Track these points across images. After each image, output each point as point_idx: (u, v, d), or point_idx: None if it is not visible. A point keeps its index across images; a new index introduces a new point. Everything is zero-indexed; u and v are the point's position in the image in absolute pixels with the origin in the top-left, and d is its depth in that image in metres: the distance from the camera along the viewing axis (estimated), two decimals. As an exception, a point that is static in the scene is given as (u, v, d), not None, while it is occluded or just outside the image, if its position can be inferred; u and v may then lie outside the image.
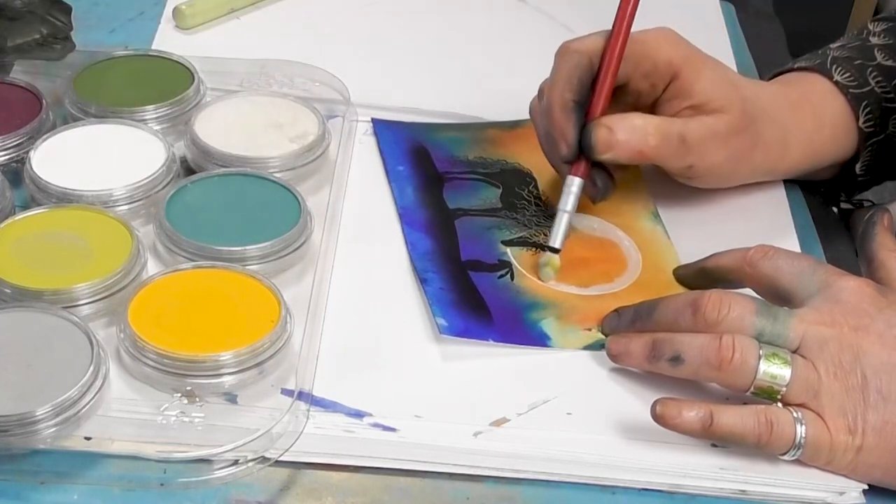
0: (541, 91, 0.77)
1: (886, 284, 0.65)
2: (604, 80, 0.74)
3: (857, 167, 0.80)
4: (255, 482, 0.60)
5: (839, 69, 0.80)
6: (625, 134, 0.73)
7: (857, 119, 0.79)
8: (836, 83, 0.79)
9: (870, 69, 0.79)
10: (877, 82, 0.79)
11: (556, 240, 0.73)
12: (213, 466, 0.59)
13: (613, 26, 0.74)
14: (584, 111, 0.74)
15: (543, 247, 0.75)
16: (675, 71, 0.75)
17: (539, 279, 0.73)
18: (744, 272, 0.67)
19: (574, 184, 0.74)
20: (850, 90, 0.79)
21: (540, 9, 1.02)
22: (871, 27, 0.83)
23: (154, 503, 0.59)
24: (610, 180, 0.76)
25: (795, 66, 0.82)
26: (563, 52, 0.75)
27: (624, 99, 0.76)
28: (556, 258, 0.73)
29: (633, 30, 0.75)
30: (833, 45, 0.82)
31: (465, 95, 0.89)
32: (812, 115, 0.79)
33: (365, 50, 0.94)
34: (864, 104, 0.79)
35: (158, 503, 0.59)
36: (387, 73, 0.92)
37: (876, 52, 0.81)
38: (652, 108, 0.76)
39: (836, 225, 0.84)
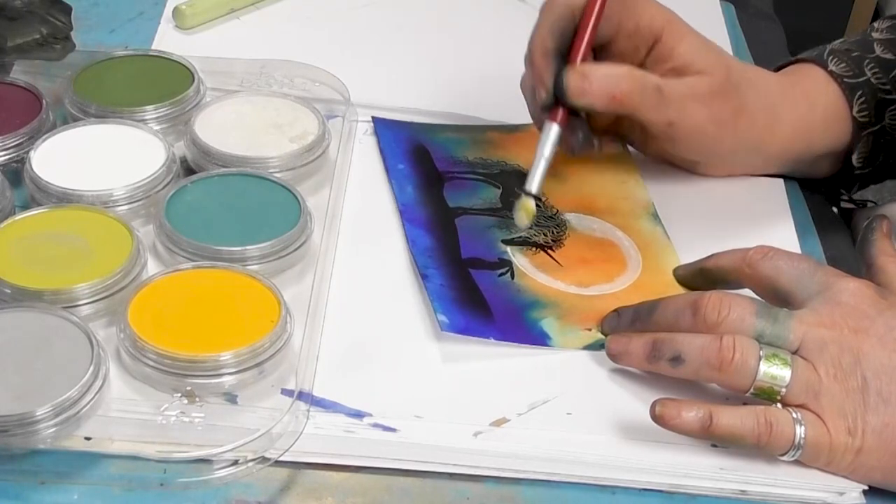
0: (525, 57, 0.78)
1: (886, 288, 0.65)
2: (584, 28, 0.74)
3: (854, 158, 0.80)
4: (255, 482, 0.60)
5: (835, 60, 0.80)
6: (598, 78, 0.73)
7: (851, 108, 0.79)
8: (831, 72, 0.80)
9: (867, 61, 0.80)
10: (873, 73, 0.80)
11: (532, 184, 0.73)
12: (213, 466, 0.59)
13: None
14: (564, 60, 0.74)
15: (544, 246, 0.75)
16: (657, 33, 0.75)
17: (516, 224, 0.73)
18: (743, 273, 0.67)
19: (552, 129, 0.74)
20: (845, 79, 0.79)
21: (540, 9, 1.02)
22: (875, 25, 0.84)
23: (154, 503, 0.59)
24: (591, 133, 0.76)
25: (795, 58, 0.83)
26: (548, 5, 0.76)
27: (608, 60, 0.76)
28: (530, 202, 0.72)
29: None
30: (836, 42, 0.83)
31: (465, 95, 0.89)
32: (804, 97, 0.80)
33: (365, 50, 0.94)
34: (858, 94, 0.79)
35: (158, 503, 0.59)
36: (387, 73, 0.92)
37: (875, 45, 0.81)
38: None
39: (836, 224, 0.84)
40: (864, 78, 0.79)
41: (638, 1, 0.76)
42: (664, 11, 0.76)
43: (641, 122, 0.77)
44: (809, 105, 0.79)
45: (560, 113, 0.74)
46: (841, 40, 0.83)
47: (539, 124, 0.77)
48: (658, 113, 0.75)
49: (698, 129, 0.77)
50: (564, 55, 0.75)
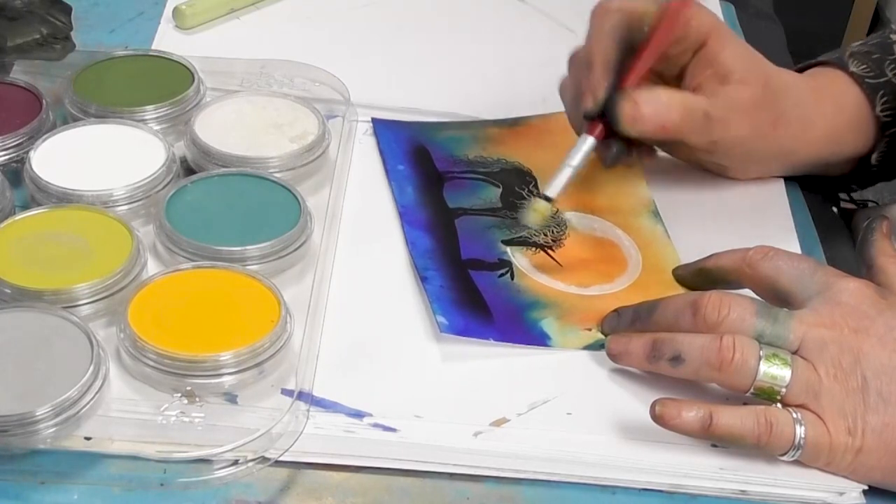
0: (571, 58, 0.78)
1: (886, 288, 0.65)
2: (648, 53, 0.74)
3: (874, 157, 0.81)
4: (255, 482, 0.60)
5: (855, 62, 0.80)
6: (650, 108, 0.73)
7: (874, 107, 0.79)
8: (852, 73, 0.80)
9: (888, 62, 0.80)
10: (894, 74, 0.80)
11: (553, 189, 0.72)
12: (213, 466, 0.59)
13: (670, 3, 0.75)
14: (619, 73, 0.74)
15: (543, 246, 0.75)
16: (704, 38, 0.76)
17: (522, 220, 0.73)
18: (743, 273, 0.67)
19: (587, 142, 0.74)
20: (866, 80, 0.80)
21: (540, 9, 1.02)
22: (894, 27, 0.84)
23: (154, 503, 0.59)
24: (625, 148, 0.76)
25: (815, 60, 0.83)
26: (603, 11, 0.75)
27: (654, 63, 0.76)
28: (543, 205, 0.72)
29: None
30: (855, 44, 0.83)
31: (465, 95, 0.89)
32: (832, 101, 0.80)
33: (365, 50, 0.94)
34: (880, 94, 0.79)
35: (158, 503, 0.59)
36: (387, 73, 0.92)
37: (895, 47, 0.81)
38: (679, 74, 0.77)
39: (837, 225, 0.84)
40: (885, 78, 0.80)
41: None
42: (711, 17, 0.76)
43: (685, 140, 0.77)
44: (838, 110, 0.80)
45: (600, 128, 0.74)
46: (860, 42, 0.83)
47: (576, 125, 0.77)
48: (704, 136, 0.76)
49: (739, 142, 0.78)
50: (618, 68, 0.74)
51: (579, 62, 0.77)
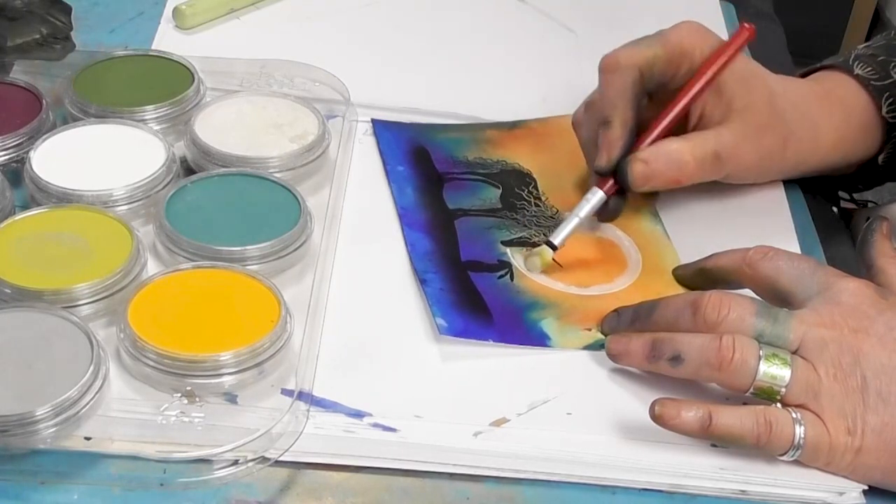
0: (588, 104, 0.78)
1: (886, 289, 0.65)
2: (668, 122, 0.75)
3: (880, 158, 0.81)
4: (255, 482, 0.60)
5: (860, 64, 0.80)
6: (662, 165, 0.74)
7: (880, 109, 0.79)
8: (857, 76, 0.80)
9: (892, 64, 0.80)
10: None
11: (558, 237, 0.73)
12: (213, 466, 0.59)
13: (697, 72, 0.75)
14: (631, 133, 0.74)
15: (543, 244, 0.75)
16: (704, 56, 0.75)
17: (524, 268, 0.73)
18: (743, 273, 0.68)
19: (596, 196, 0.74)
20: (872, 82, 0.80)
21: (540, 9, 1.02)
22: None
23: (154, 503, 0.59)
24: (622, 203, 0.76)
25: (820, 65, 0.83)
26: (613, 67, 0.74)
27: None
28: (548, 252, 0.72)
29: (661, 28, 0.76)
30: (859, 46, 0.83)
31: (465, 95, 0.89)
32: (840, 107, 0.80)
33: (365, 50, 0.94)
34: (885, 95, 0.79)
35: (158, 503, 0.59)
36: (387, 73, 0.92)
37: None
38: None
39: (837, 225, 0.84)
40: (891, 80, 0.79)
41: (686, 38, 0.76)
42: (708, 39, 0.76)
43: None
44: (845, 115, 0.80)
45: (610, 183, 0.74)
46: (865, 45, 0.83)
47: (588, 160, 0.77)
48: (716, 174, 0.76)
49: (750, 167, 0.78)
50: (635, 126, 0.74)
51: (596, 114, 0.76)
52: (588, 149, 0.78)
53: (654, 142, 0.74)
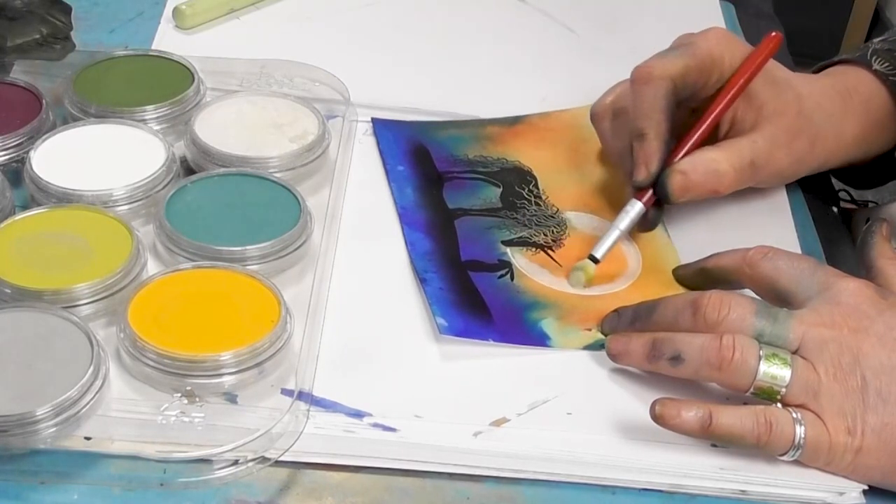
0: (617, 112, 0.78)
1: (886, 289, 0.65)
2: (702, 131, 0.75)
3: None
4: (255, 482, 0.60)
5: (878, 59, 0.80)
6: (700, 176, 0.73)
7: None
8: (875, 72, 0.80)
9: None
10: None
11: (600, 251, 0.73)
12: (213, 466, 0.59)
13: (728, 82, 0.75)
14: (667, 145, 0.74)
15: (543, 246, 0.75)
16: (733, 65, 0.75)
17: (568, 282, 0.73)
18: (743, 273, 0.68)
19: (635, 208, 0.74)
20: (890, 77, 0.80)
21: (540, 9, 1.02)
22: None
23: (154, 503, 0.59)
24: (661, 213, 0.76)
25: (837, 59, 0.83)
26: (646, 79, 0.74)
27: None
28: (591, 267, 0.72)
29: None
30: (876, 40, 0.83)
31: (465, 95, 0.89)
32: (861, 103, 0.80)
33: (365, 50, 0.94)
34: None
35: (158, 503, 0.59)
36: (387, 73, 0.92)
37: None
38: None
39: (836, 225, 0.84)
40: None
41: (716, 47, 0.75)
42: (737, 48, 0.76)
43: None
44: (865, 111, 0.80)
45: (649, 195, 0.74)
46: (881, 39, 0.83)
47: (618, 165, 0.77)
48: (750, 182, 0.77)
49: (783, 172, 0.78)
50: (671, 139, 0.74)
51: (628, 124, 0.75)
52: (618, 158, 0.78)
53: (689, 152, 0.74)
